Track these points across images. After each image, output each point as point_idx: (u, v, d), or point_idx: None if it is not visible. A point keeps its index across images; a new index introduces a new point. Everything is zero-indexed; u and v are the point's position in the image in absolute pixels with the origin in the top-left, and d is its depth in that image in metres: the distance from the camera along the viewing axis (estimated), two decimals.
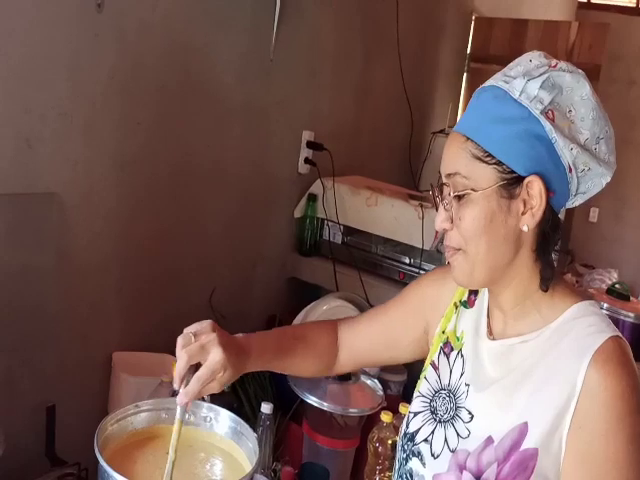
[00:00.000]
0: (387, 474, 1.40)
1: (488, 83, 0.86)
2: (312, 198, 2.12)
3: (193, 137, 1.71)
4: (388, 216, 1.99)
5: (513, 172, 0.82)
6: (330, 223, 2.11)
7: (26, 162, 1.32)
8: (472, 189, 0.83)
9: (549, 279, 0.86)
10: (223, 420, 1.09)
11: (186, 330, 0.90)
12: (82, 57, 1.38)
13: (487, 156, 0.83)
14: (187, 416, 1.10)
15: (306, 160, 2.13)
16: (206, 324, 0.91)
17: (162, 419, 1.09)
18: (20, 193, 1.31)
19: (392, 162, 2.68)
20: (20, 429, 1.10)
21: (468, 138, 0.84)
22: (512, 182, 0.82)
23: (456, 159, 0.85)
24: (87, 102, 1.41)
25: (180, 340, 0.88)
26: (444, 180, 0.87)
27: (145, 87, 1.54)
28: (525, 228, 0.84)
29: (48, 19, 1.30)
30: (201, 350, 0.87)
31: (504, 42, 3.11)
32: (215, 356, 0.87)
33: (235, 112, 1.82)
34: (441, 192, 0.88)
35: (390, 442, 1.39)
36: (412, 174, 2.76)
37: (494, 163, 0.83)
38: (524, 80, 0.82)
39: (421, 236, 1.89)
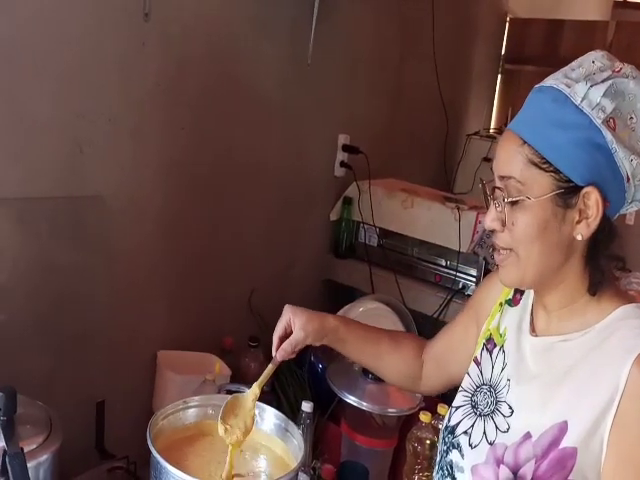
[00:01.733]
0: (425, 474, 1.41)
1: (548, 83, 0.84)
2: (348, 201, 2.15)
3: (234, 141, 1.75)
4: (424, 218, 1.99)
5: (570, 181, 0.81)
6: (366, 226, 2.13)
7: (78, 166, 1.38)
8: (527, 197, 0.82)
9: (598, 284, 0.86)
10: (268, 417, 1.12)
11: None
12: (130, 64, 1.43)
13: (544, 163, 0.82)
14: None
15: (342, 163, 2.15)
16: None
17: (209, 415, 1.13)
18: (73, 196, 1.37)
19: (427, 165, 2.68)
20: (71, 423, 1.15)
21: (525, 142, 0.83)
22: (568, 191, 0.81)
23: (511, 162, 0.84)
24: (135, 108, 1.46)
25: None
26: (497, 182, 0.86)
27: (189, 92, 1.58)
28: (579, 237, 0.83)
29: (99, 29, 1.36)
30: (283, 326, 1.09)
31: (539, 43, 3.08)
32: (296, 323, 1.07)
33: (274, 116, 1.86)
34: (493, 192, 0.87)
35: (429, 442, 1.40)
36: (447, 176, 2.76)
37: (551, 171, 0.82)
38: (587, 86, 0.80)
39: (458, 238, 1.89)
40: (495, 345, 0.99)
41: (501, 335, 0.99)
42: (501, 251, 0.88)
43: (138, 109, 1.46)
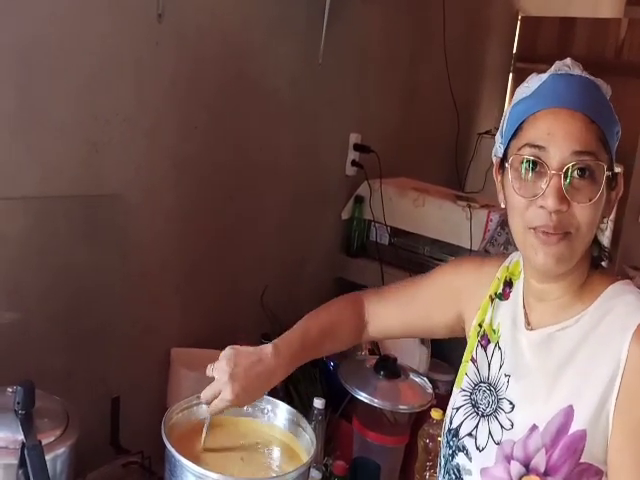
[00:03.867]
0: (437, 470, 1.41)
1: (576, 73, 0.86)
2: (359, 200, 2.15)
3: (247, 139, 1.76)
4: (435, 217, 2.00)
5: (612, 166, 0.85)
6: (377, 224, 2.14)
7: (94, 165, 1.40)
8: (608, 173, 0.82)
9: (599, 257, 0.90)
10: (281, 412, 1.14)
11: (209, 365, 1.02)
12: (144, 65, 1.45)
13: (607, 144, 0.84)
14: (246, 408, 1.16)
15: (353, 162, 2.16)
16: (222, 360, 1.01)
17: None
18: (89, 195, 1.39)
19: (438, 164, 2.69)
20: (87, 419, 1.16)
21: (593, 121, 0.82)
22: (612, 175, 0.85)
23: (587, 138, 0.82)
24: (149, 107, 1.48)
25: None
26: (571, 158, 0.81)
27: (202, 91, 1.60)
28: (611, 217, 0.89)
29: (114, 30, 1.38)
30: (214, 393, 1.00)
31: (551, 41, 3.07)
32: (225, 395, 0.99)
33: (286, 115, 1.87)
34: (562, 169, 0.81)
35: (440, 439, 1.40)
36: (458, 175, 2.76)
37: (609, 152, 0.84)
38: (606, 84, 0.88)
39: (469, 237, 1.89)
40: (489, 342, 0.99)
41: (495, 331, 0.99)
42: (556, 234, 0.83)
43: (152, 109, 1.49)
